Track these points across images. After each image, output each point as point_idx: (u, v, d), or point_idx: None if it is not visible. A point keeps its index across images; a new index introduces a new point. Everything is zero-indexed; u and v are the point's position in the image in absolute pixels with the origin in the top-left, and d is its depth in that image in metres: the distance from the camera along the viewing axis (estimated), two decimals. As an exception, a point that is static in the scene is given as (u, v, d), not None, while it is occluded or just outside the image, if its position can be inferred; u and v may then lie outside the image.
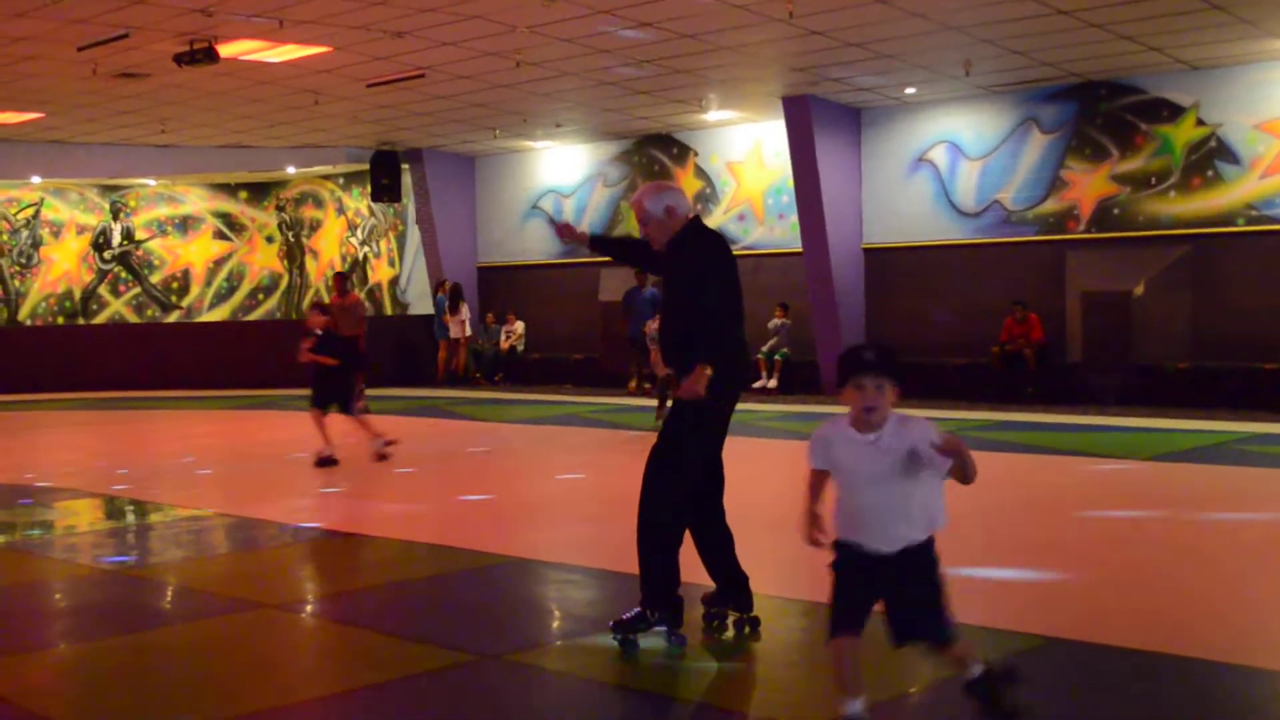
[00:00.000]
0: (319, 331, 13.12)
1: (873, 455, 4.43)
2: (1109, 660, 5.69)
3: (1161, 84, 17.74)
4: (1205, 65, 17.16)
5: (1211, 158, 17.37)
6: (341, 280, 19.42)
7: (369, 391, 18.95)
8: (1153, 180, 17.89)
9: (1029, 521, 9.23)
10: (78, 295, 27.75)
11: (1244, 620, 6.52)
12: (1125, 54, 16.59)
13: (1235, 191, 17.22)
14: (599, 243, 6.75)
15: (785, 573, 7.59)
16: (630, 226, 23.20)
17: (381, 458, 12.86)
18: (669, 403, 7.27)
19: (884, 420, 4.43)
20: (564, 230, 6.77)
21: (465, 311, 24.20)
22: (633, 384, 20.64)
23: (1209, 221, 17.41)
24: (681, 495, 6.01)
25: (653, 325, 15.66)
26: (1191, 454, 12.67)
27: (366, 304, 21.02)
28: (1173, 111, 17.69)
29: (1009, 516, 9.42)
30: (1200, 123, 17.45)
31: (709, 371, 5.88)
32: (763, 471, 11.43)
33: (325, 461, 12.63)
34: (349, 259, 28.12)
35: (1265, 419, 15.26)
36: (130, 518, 10.55)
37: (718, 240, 6.22)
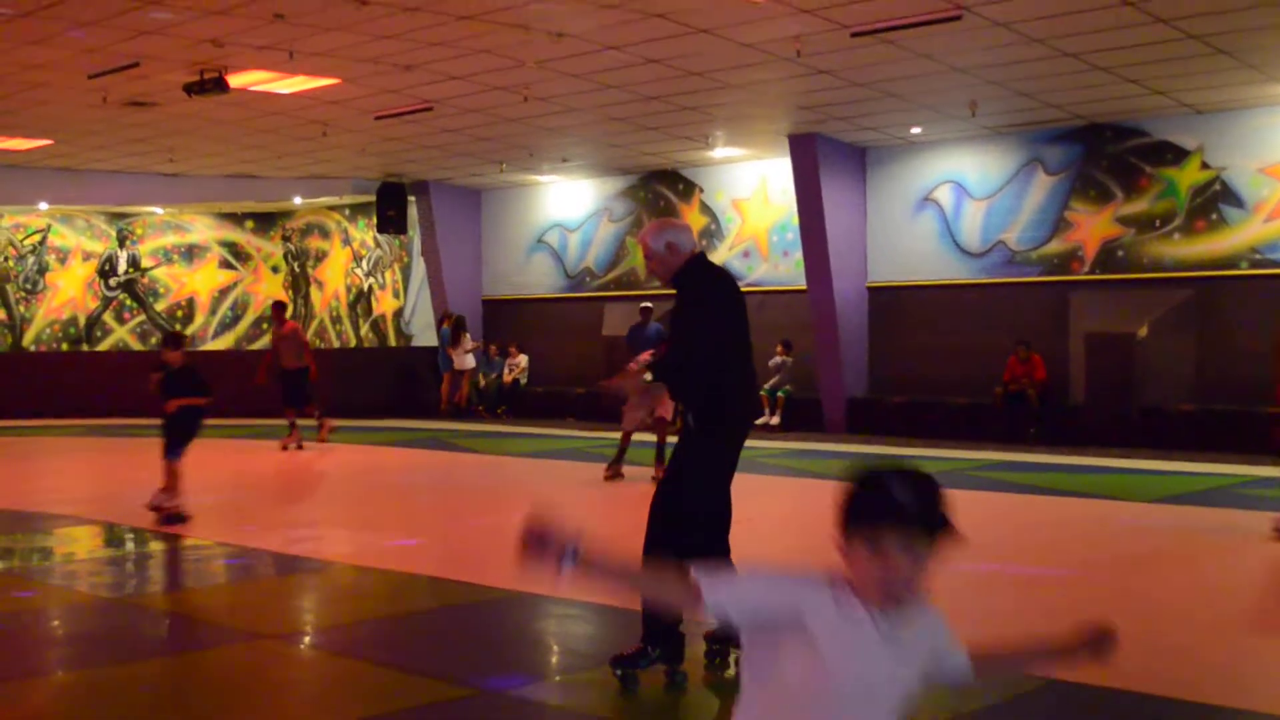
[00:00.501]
0: (173, 367, 11.17)
1: (888, 656, 2.62)
2: (1108, 703, 5.67)
3: (1166, 127, 17.81)
4: (1210, 109, 17.22)
5: (1216, 201, 17.41)
6: (279, 310, 19.01)
7: (337, 422, 18.88)
8: (1157, 223, 17.93)
9: (1028, 562, 9.21)
10: (82, 322, 27.78)
11: (1244, 664, 6.50)
12: (1130, 97, 16.65)
13: (1239, 235, 17.25)
14: (659, 369, 6.23)
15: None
16: (634, 262, 23.27)
17: (156, 507, 11.04)
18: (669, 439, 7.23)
19: (914, 602, 2.66)
20: (612, 388, 6.41)
21: (468, 343, 24.22)
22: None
23: (1213, 264, 17.44)
24: (685, 531, 6.00)
25: (644, 358, 15.57)
26: (1194, 497, 12.64)
27: (304, 333, 20.19)
28: (1177, 155, 17.74)
29: (1008, 556, 9.39)
30: (1205, 166, 17.49)
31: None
32: (764, 508, 11.39)
33: (172, 518, 10.95)
34: (354, 290, 28.17)
35: (1268, 462, 15.20)
36: (129, 546, 10.53)
37: (718, 276, 6.23)
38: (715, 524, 6.10)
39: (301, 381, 18.01)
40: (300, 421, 18.04)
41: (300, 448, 17.77)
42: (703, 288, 6.11)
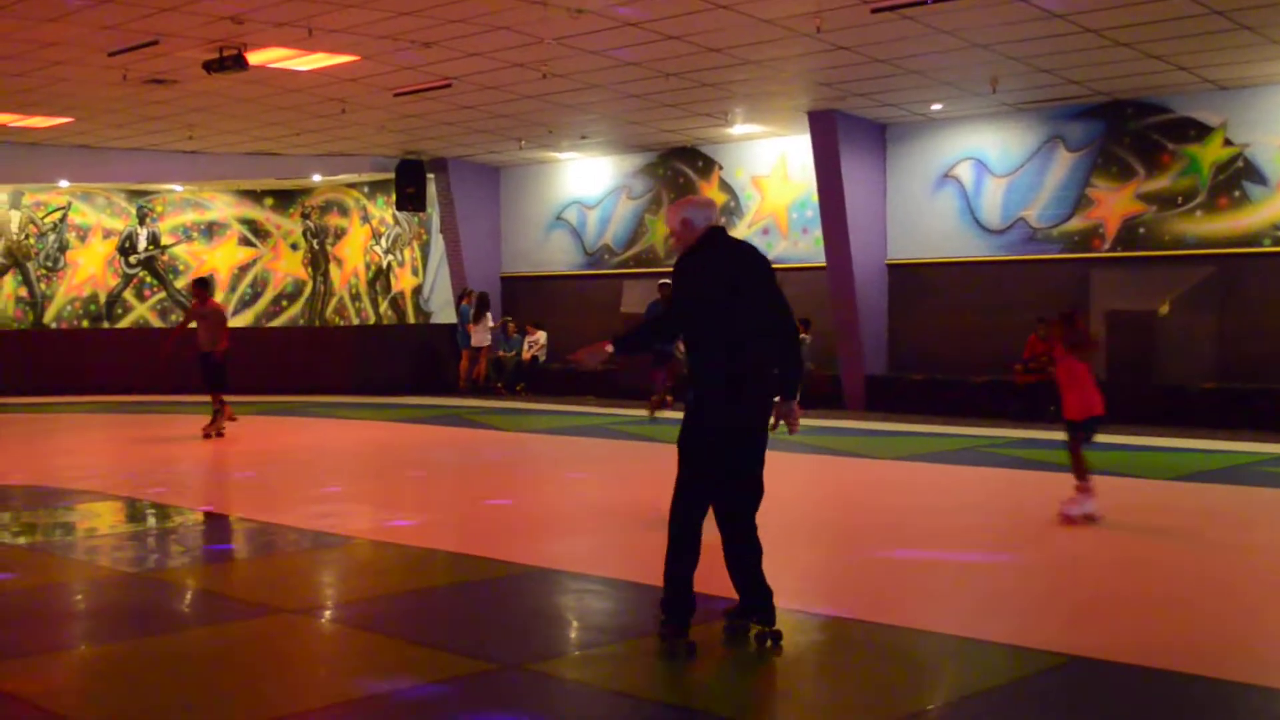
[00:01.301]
0: None
1: None
2: (1131, 680, 5.66)
3: (1189, 103, 17.69)
4: (1233, 85, 17.10)
5: (1238, 178, 17.31)
6: (200, 287, 17.25)
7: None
8: (1179, 200, 17.83)
9: (1052, 541, 9.19)
10: (103, 299, 27.87)
11: (1266, 640, 6.48)
12: (1153, 73, 16.54)
13: (1262, 212, 17.15)
14: (621, 343, 6.38)
15: (807, 587, 7.58)
16: (653, 239, 23.28)
17: None
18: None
19: None
20: (589, 357, 6.40)
21: (490, 320, 24.25)
22: (655, 397, 20.64)
23: (1235, 242, 17.35)
24: (680, 506, 6.08)
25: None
26: (1215, 475, 12.60)
27: (226, 313, 17.88)
28: (1200, 131, 17.63)
29: (1031, 536, 9.38)
30: (1227, 143, 17.38)
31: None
32: (784, 485, 11.38)
33: None
34: (373, 267, 28.20)
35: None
36: (150, 521, 10.58)
37: (720, 248, 6.19)
38: (733, 498, 6.11)
39: (219, 364, 16.60)
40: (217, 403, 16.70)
41: (221, 434, 16.53)
42: (685, 262, 6.16)
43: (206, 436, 16.43)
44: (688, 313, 6.09)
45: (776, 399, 6.23)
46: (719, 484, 6.09)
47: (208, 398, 16.66)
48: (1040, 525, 9.76)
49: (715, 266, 6.13)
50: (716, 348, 6.04)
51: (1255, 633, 6.62)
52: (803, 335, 20.45)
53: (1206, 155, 17.58)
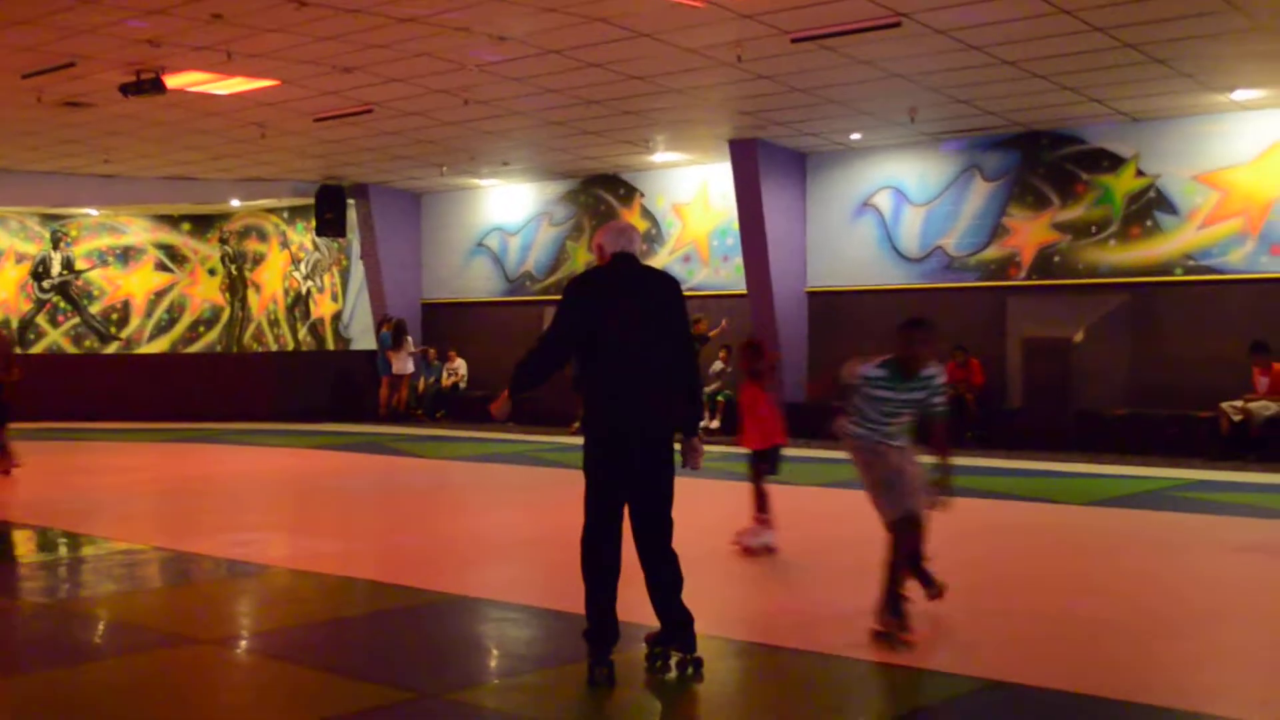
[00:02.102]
0: None
1: None
2: (1050, 704, 5.71)
3: (1102, 135, 18.01)
4: (1145, 117, 17.44)
5: (1150, 208, 17.63)
6: None
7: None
8: (1093, 229, 18.12)
9: (967, 566, 9.26)
10: (15, 324, 27.38)
11: (1179, 663, 6.56)
12: (1067, 104, 16.83)
13: (1173, 241, 17.47)
14: (514, 386, 6.20)
15: (729, 613, 7.58)
16: (574, 266, 23.27)
17: None
18: None
19: None
20: (500, 411, 6.36)
21: (410, 347, 24.12)
22: (576, 425, 20.61)
23: (1147, 270, 17.65)
24: (585, 529, 6.10)
25: None
26: (1128, 500, 12.78)
27: (15, 341, 16.31)
28: (1113, 162, 17.95)
29: (946, 560, 9.45)
30: (1140, 173, 17.71)
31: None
32: (704, 513, 11.41)
33: None
34: (291, 293, 27.95)
35: (1200, 466, 15.43)
36: (63, 550, 10.39)
37: (612, 275, 6.20)
38: (637, 525, 6.12)
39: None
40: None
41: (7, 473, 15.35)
42: (570, 285, 6.19)
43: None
44: (564, 335, 6.07)
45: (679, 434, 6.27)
46: (623, 503, 6.08)
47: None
48: (963, 552, 9.84)
49: (601, 289, 6.14)
50: (601, 366, 6.05)
51: (1168, 656, 6.71)
52: (725, 363, 20.41)
53: (1119, 185, 17.90)
